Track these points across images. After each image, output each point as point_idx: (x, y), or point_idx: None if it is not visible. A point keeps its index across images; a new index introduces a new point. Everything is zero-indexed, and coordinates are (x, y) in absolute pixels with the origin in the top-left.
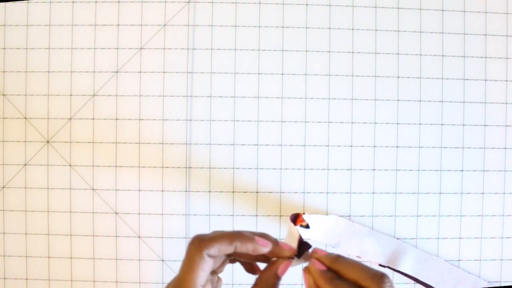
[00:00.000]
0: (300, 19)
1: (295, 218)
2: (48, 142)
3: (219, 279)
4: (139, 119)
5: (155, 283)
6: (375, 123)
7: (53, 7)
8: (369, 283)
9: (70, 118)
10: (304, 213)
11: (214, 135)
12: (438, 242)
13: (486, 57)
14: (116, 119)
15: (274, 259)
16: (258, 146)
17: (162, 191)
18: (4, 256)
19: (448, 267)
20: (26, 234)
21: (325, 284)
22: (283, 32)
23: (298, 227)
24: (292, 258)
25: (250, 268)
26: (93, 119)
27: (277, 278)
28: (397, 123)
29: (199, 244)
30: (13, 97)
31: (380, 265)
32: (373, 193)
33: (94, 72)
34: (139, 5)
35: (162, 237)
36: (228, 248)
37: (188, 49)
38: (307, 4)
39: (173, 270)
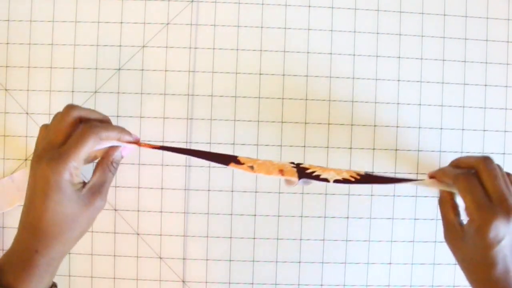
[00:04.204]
0: (302, 21)
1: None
2: None
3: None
4: (140, 117)
5: (152, 280)
6: (374, 125)
7: (57, 3)
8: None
9: None
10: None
11: (214, 134)
12: (434, 245)
13: (487, 63)
14: (118, 116)
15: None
16: (258, 146)
17: (162, 188)
18: (2, 250)
19: None
20: None
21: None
22: (285, 33)
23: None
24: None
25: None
26: None
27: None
28: (397, 126)
29: (94, 128)
30: (15, 92)
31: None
32: (371, 195)
33: (96, 69)
34: (142, 3)
35: (161, 235)
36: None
37: (190, 48)
38: (309, 6)
39: (171, 267)
